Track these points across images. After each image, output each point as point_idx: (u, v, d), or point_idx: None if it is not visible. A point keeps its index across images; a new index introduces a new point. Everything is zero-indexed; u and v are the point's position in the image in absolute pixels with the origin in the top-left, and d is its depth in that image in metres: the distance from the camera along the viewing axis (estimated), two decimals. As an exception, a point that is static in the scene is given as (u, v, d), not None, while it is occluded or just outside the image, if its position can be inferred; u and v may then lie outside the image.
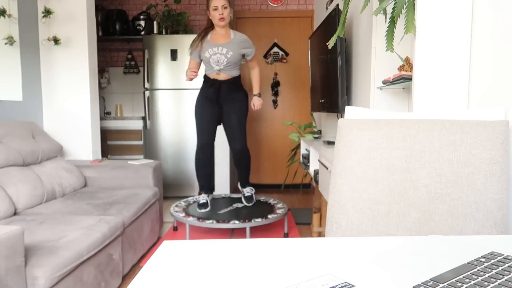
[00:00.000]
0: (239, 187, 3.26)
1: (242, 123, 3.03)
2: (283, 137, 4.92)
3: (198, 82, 4.18)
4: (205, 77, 3.08)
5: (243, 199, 3.15)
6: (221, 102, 3.04)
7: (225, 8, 2.90)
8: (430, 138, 0.95)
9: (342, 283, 0.51)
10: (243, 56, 3.05)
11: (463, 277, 0.52)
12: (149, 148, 4.29)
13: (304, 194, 4.65)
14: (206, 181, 3.13)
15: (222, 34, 3.00)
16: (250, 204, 3.04)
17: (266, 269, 0.58)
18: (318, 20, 4.35)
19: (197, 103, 3.09)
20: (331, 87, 2.59)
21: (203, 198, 3.08)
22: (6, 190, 2.15)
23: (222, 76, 3.01)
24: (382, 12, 1.41)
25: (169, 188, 4.29)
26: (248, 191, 3.18)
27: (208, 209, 2.99)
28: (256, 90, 3.15)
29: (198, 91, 3.20)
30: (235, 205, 3.12)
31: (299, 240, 0.71)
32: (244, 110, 3.07)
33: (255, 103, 3.12)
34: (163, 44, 4.18)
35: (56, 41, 3.03)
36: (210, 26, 3.03)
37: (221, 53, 2.94)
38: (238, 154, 3.05)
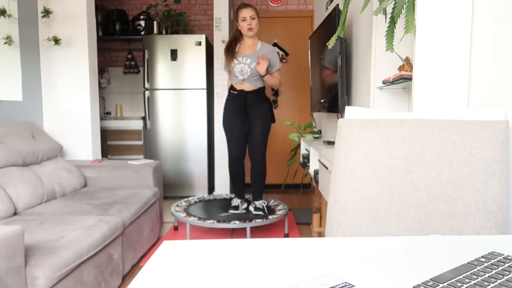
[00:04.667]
0: (252, 201, 3.19)
1: (264, 137, 3.08)
2: (283, 137, 4.92)
3: (201, 82, 4.19)
4: (232, 87, 3.13)
5: (252, 209, 3.06)
6: (247, 111, 3.08)
7: (253, 18, 2.97)
8: (430, 138, 0.95)
9: (342, 283, 0.51)
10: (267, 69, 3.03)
11: (463, 277, 0.52)
12: (149, 148, 4.29)
13: (304, 194, 4.65)
14: (238, 189, 3.21)
15: (249, 44, 3.06)
16: (259, 213, 2.96)
17: (266, 269, 0.58)
18: (318, 20, 4.35)
19: (225, 114, 3.14)
20: (331, 87, 2.59)
21: (235, 201, 3.17)
22: (6, 190, 2.15)
23: (246, 87, 3.06)
24: (382, 12, 1.41)
25: (169, 188, 4.29)
26: (260, 203, 3.10)
27: (238, 211, 3.06)
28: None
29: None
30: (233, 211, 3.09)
31: (299, 240, 0.71)
32: (268, 123, 3.11)
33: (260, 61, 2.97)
34: (163, 44, 4.18)
35: (56, 41, 3.03)
36: (238, 36, 3.08)
37: (245, 63, 3.00)
38: (255, 165, 3.10)
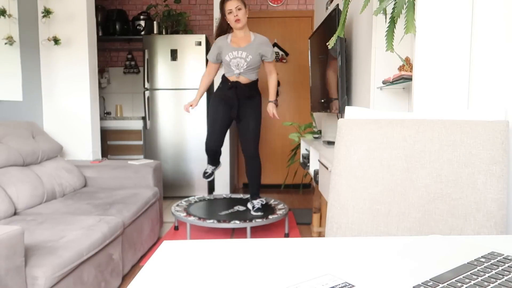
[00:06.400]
0: (250, 199, 3.16)
1: (257, 129, 3.05)
2: (283, 137, 4.91)
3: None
4: (224, 78, 3.07)
5: (252, 211, 3.01)
6: (239, 103, 3.03)
7: (239, 9, 2.86)
8: (430, 138, 0.95)
9: (342, 283, 0.51)
10: (262, 58, 3.02)
11: (463, 277, 0.52)
12: (149, 148, 4.29)
13: (304, 194, 4.65)
14: (213, 160, 3.29)
15: (242, 36, 2.98)
16: (258, 214, 2.94)
17: (266, 269, 0.58)
18: (318, 20, 4.35)
19: (212, 103, 3.10)
20: (331, 87, 2.59)
21: (209, 168, 3.30)
22: (6, 190, 2.15)
23: (242, 79, 3.01)
24: (382, 12, 1.41)
25: (169, 188, 4.29)
26: (257, 202, 3.06)
27: (212, 177, 3.22)
28: (272, 97, 3.10)
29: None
30: (236, 208, 3.09)
31: (299, 240, 0.71)
32: (260, 116, 3.09)
33: (272, 110, 3.07)
34: (163, 44, 4.18)
35: (56, 41, 3.03)
36: (227, 29, 3.02)
37: (241, 57, 2.93)
38: (250, 159, 3.06)
